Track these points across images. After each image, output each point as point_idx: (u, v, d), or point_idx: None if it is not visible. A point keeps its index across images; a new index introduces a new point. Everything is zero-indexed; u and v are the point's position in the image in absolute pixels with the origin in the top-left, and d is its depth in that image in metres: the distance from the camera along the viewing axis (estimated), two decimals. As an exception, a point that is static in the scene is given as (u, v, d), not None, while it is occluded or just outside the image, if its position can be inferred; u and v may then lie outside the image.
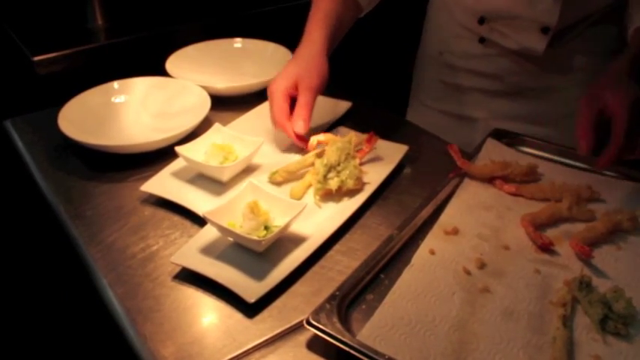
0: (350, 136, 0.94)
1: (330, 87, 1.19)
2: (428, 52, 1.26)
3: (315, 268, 0.77)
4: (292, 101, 0.95)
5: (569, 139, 0.93)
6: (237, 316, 0.70)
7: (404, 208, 0.87)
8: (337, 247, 0.80)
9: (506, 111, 1.13)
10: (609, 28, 1.06)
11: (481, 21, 1.08)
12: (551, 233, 0.81)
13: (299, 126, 0.92)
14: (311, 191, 0.88)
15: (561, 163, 0.95)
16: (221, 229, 0.76)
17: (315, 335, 0.64)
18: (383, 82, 1.46)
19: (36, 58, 1.36)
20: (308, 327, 0.64)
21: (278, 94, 0.94)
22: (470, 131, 1.18)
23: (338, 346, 0.62)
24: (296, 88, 0.94)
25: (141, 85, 1.13)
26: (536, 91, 1.12)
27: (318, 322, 0.64)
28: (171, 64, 1.19)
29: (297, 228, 0.80)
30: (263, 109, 1.10)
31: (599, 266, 0.75)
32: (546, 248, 0.78)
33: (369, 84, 1.05)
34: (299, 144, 0.95)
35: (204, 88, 1.10)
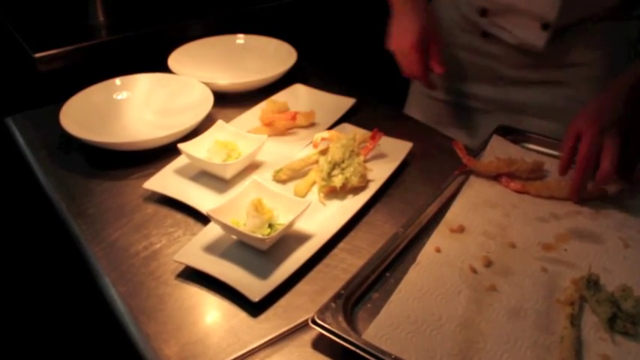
0: (354, 133, 0.93)
1: (334, 83, 1.19)
2: None
3: (320, 267, 0.76)
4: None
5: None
6: (242, 315, 0.69)
7: (409, 206, 0.86)
8: (342, 245, 0.80)
9: (506, 101, 1.12)
10: (616, 25, 1.04)
11: (483, 13, 1.08)
12: (556, 231, 0.80)
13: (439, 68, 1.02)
14: (315, 189, 0.88)
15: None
16: (225, 227, 0.75)
17: (321, 334, 0.63)
18: (387, 79, 1.45)
19: (37, 55, 1.35)
20: (313, 326, 0.64)
21: (418, 48, 1.00)
22: (469, 121, 1.18)
23: (344, 346, 0.62)
24: (425, 42, 1.01)
25: (143, 81, 1.12)
26: (538, 85, 1.10)
27: (324, 321, 0.64)
28: (174, 60, 1.18)
29: (302, 226, 0.79)
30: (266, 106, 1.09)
31: (607, 264, 0.74)
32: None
33: (373, 80, 1.05)
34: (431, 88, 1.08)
35: (207, 84, 1.09)
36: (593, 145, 0.82)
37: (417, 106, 1.28)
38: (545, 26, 1.00)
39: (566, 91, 1.07)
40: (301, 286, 0.73)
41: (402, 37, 1.02)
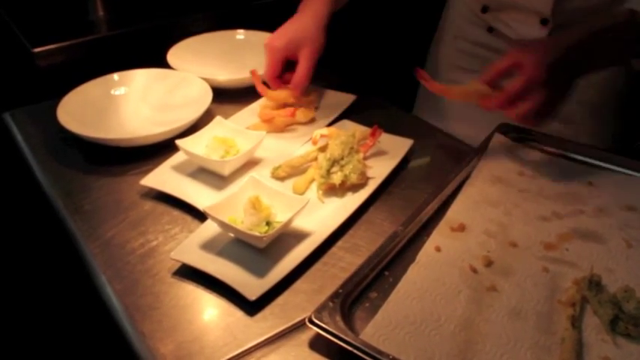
0: (354, 130, 0.92)
1: (335, 79, 1.18)
2: (444, 36, 1.25)
3: (318, 265, 0.75)
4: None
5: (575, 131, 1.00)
6: (238, 314, 0.68)
7: (409, 204, 0.85)
8: (340, 243, 0.79)
9: None
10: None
11: (484, 10, 1.08)
12: (558, 230, 0.79)
13: (300, 91, 1.01)
14: (314, 186, 0.87)
15: (567, 158, 0.94)
16: (222, 224, 0.74)
17: (318, 334, 0.63)
18: (388, 75, 1.44)
19: (36, 50, 1.34)
20: (310, 326, 0.63)
21: (278, 53, 1.01)
22: (479, 116, 1.16)
23: (341, 346, 0.61)
24: (295, 50, 1.00)
25: (141, 77, 1.11)
26: None
27: (321, 320, 0.63)
28: (173, 55, 1.17)
29: (300, 224, 0.78)
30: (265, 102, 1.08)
31: (610, 265, 0.73)
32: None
33: (374, 77, 1.04)
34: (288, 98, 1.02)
35: (206, 80, 1.08)
36: (529, 90, 0.81)
37: (427, 102, 1.27)
38: (544, 21, 1.00)
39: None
40: (299, 285, 0.72)
41: (275, 34, 1.02)
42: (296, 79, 1.00)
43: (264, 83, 1.05)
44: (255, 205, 0.75)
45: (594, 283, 0.69)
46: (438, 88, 0.91)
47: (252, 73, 1.04)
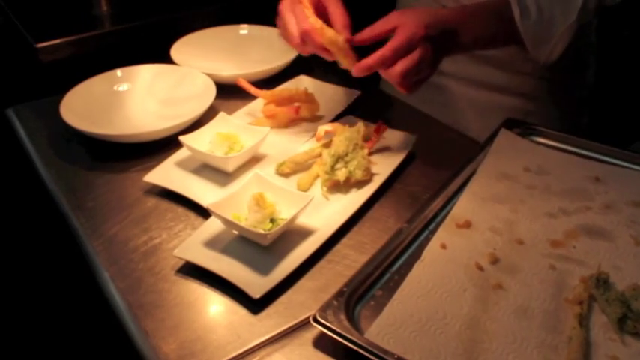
0: (358, 126, 0.91)
1: (339, 74, 1.17)
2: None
3: (323, 263, 0.74)
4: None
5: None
6: (242, 312, 0.68)
7: (414, 200, 0.84)
8: (345, 240, 0.78)
9: (465, 74, 1.11)
10: None
11: None
12: (565, 227, 0.78)
13: (347, 33, 0.86)
14: (318, 183, 0.86)
15: (573, 153, 0.92)
16: (225, 221, 0.74)
17: (322, 333, 0.62)
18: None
19: (39, 45, 1.34)
20: (315, 324, 0.62)
21: (287, 8, 0.90)
22: (441, 95, 1.16)
23: (345, 345, 0.60)
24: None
25: (145, 72, 1.10)
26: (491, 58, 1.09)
27: (325, 319, 0.62)
28: (176, 51, 1.17)
29: (304, 221, 0.78)
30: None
31: (618, 262, 0.72)
32: None
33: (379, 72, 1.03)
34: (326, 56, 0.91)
35: (210, 75, 1.07)
36: (409, 47, 0.80)
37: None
38: None
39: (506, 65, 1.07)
40: (303, 283, 0.71)
41: None
42: (337, 22, 0.87)
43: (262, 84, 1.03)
44: (259, 202, 0.75)
45: (602, 281, 0.68)
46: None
47: (239, 81, 1.01)
